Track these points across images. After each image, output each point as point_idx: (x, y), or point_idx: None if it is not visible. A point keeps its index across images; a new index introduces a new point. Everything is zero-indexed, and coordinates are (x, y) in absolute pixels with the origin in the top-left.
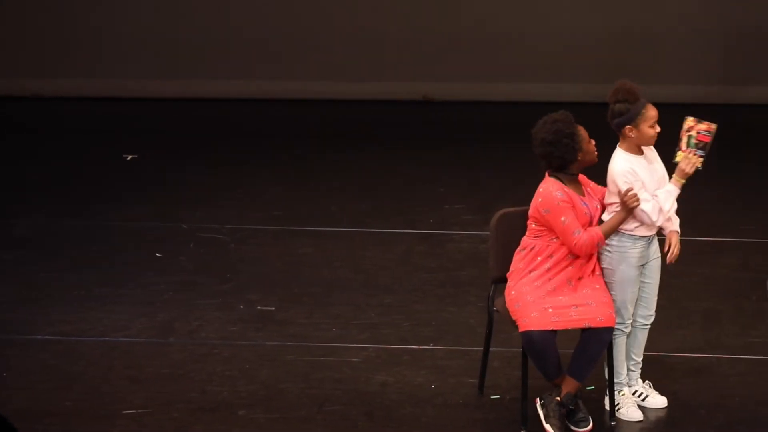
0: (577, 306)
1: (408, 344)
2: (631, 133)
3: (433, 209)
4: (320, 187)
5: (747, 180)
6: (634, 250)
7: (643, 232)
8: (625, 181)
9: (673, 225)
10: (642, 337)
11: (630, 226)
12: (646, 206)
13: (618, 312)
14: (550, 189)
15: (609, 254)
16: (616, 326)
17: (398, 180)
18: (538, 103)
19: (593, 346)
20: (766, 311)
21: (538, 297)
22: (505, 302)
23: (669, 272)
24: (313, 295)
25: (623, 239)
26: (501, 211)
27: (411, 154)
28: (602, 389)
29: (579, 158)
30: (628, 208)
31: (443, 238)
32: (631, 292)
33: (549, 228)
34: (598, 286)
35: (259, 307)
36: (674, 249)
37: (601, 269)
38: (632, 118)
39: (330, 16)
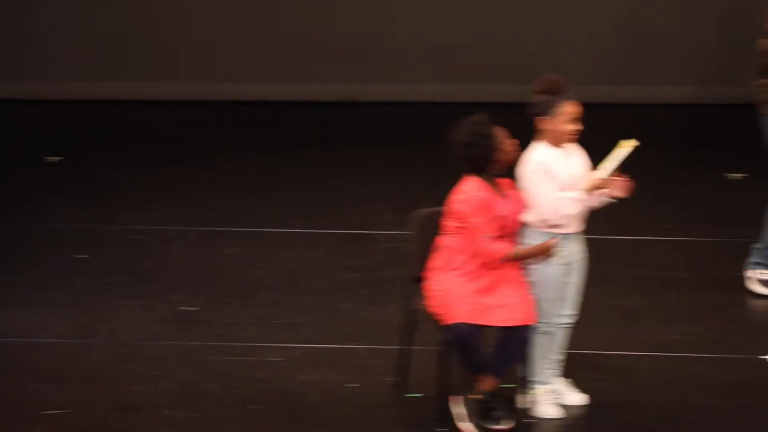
0: (500, 305)
1: (331, 343)
2: (544, 126)
3: (357, 209)
4: (245, 189)
5: (664, 179)
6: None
7: (555, 228)
8: (543, 170)
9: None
10: (563, 336)
11: (542, 222)
12: (552, 203)
13: (540, 311)
14: (469, 189)
15: None
16: (541, 326)
17: (322, 180)
18: (460, 104)
19: (513, 344)
20: (683, 309)
21: (465, 293)
22: (427, 300)
23: (590, 271)
24: (237, 295)
25: (539, 237)
26: (422, 211)
27: (335, 154)
28: (521, 387)
29: (497, 158)
30: (543, 256)
31: (366, 238)
32: (551, 291)
33: (465, 227)
34: (520, 285)
35: (182, 308)
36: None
37: (525, 268)
38: (547, 110)
39: (253, 18)
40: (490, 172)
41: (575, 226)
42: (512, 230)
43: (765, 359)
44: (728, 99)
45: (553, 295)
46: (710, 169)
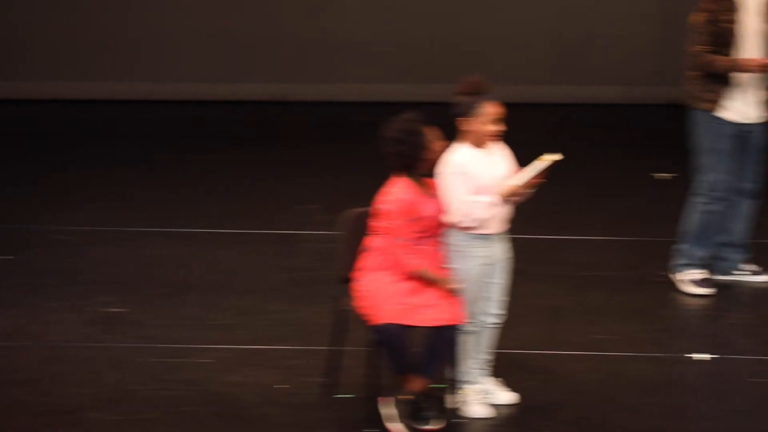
0: (428, 305)
1: (261, 344)
2: (465, 126)
3: (288, 210)
4: (175, 189)
5: (591, 179)
6: (473, 249)
7: (476, 229)
8: (460, 171)
9: None
10: (490, 336)
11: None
12: (460, 206)
13: (468, 311)
14: (396, 190)
15: (454, 254)
16: (468, 326)
17: (253, 180)
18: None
19: (441, 344)
20: (610, 308)
21: (391, 293)
22: (356, 301)
23: (516, 270)
24: (167, 296)
25: (459, 237)
26: (351, 211)
27: (266, 154)
28: (451, 387)
29: (426, 158)
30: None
31: (298, 238)
32: (474, 291)
33: (390, 228)
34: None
35: (111, 309)
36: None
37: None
38: (467, 111)
39: (188, 18)
40: (418, 171)
41: (498, 227)
42: (436, 231)
43: (690, 357)
44: (656, 99)
45: (477, 295)
46: (638, 169)
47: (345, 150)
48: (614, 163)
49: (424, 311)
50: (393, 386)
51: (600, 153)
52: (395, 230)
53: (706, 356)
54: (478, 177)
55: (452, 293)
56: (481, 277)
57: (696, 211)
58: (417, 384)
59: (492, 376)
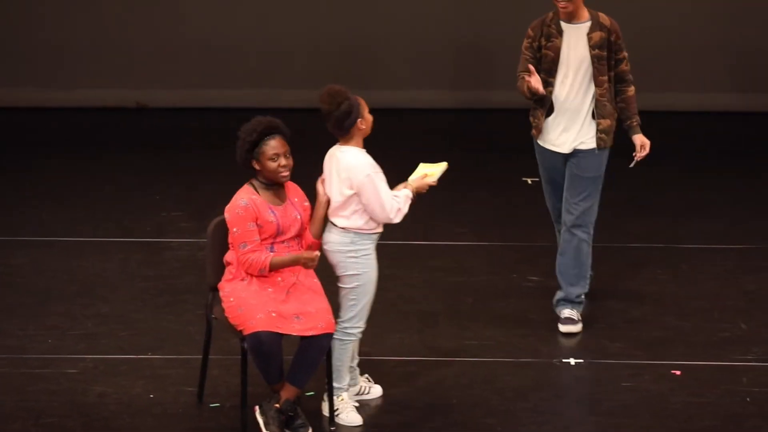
0: (299, 315)
1: (126, 354)
2: (362, 125)
3: (150, 217)
4: (31, 196)
5: (459, 182)
6: (373, 252)
7: (378, 228)
8: (377, 171)
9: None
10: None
11: (370, 225)
12: (391, 203)
13: (358, 316)
14: (237, 197)
15: (355, 259)
16: (355, 331)
17: (112, 187)
18: (252, 109)
19: (313, 353)
20: (479, 313)
21: (261, 302)
22: (223, 310)
23: (384, 276)
24: (27, 306)
25: (364, 241)
26: (218, 219)
27: (125, 161)
28: (321, 394)
29: (255, 167)
30: (305, 265)
31: (160, 246)
32: (372, 294)
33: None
34: (316, 292)
35: None
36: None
37: (340, 277)
38: (359, 111)
39: (40, 23)
40: (259, 176)
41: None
42: (287, 237)
43: (557, 363)
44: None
45: (372, 298)
46: (508, 172)
47: (205, 156)
48: (483, 166)
49: (295, 320)
50: (263, 395)
51: (470, 156)
52: (239, 237)
53: (575, 361)
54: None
55: (309, 265)
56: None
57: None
58: (288, 392)
59: (360, 374)
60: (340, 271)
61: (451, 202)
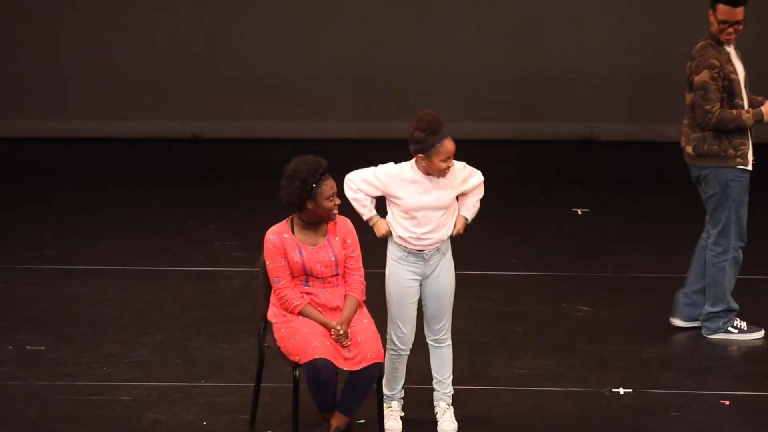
0: (350, 348)
1: (180, 381)
2: (422, 162)
3: (204, 246)
4: (90, 226)
5: (509, 214)
6: (399, 265)
7: (404, 243)
8: (375, 175)
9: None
10: (440, 356)
11: (396, 232)
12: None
13: (390, 323)
14: (269, 231)
15: (388, 261)
16: (387, 348)
17: (168, 218)
18: (307, 140)
19: (363, 383)
20: (529, 342)
21: (315, 331)
22: (275, 340)
23: None
24: (83, 334)
25: (392, 247)
26: None
27: (180, 191)
28: (373, 421)
29: (308, 207)
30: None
31: (214, 275)
32: (397, 310)
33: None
34: (365, 321)
35: (28, 347)
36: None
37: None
38: (426, 148)
39: (94, 54)
40: (304, 214)
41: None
42: (318, 276)
43: (606, 392)
44: (570, 135)
45: (399, 313)
46: (557, 203)
47: (259, 186)
48: (534, 197)
49: (346, 353)
50: (315, 423)
51: (520, 188)
52: (272, 271)
53: (624, 390)
54: (405, 197)
55: (338, 339)
56: (405, 296)
57: (723, 265)
58: (338, 420)
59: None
60: None
61: (501, 233)
